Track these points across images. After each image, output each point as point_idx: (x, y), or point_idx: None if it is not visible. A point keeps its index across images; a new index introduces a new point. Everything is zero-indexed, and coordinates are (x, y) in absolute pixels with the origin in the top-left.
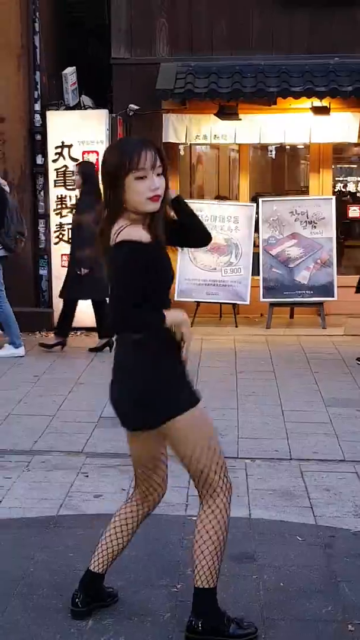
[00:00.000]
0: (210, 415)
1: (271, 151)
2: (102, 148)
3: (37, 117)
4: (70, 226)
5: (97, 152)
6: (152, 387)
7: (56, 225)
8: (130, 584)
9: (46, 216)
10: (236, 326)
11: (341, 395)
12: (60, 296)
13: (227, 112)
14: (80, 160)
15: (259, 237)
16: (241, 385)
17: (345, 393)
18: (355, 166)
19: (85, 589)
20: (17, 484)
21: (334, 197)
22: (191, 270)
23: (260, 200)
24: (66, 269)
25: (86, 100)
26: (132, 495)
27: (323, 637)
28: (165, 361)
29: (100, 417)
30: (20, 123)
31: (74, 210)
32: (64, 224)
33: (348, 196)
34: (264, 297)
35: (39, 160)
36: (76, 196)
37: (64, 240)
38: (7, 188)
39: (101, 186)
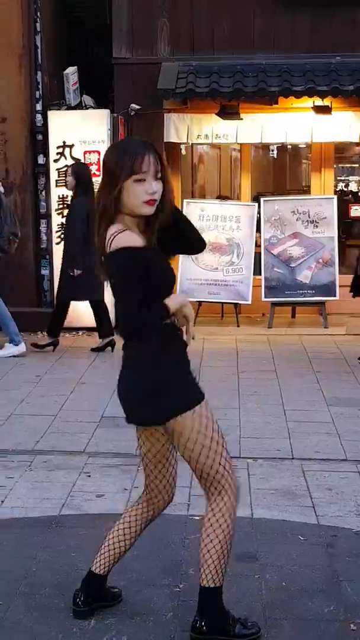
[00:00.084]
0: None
1: (273, 151)
2: (103, 148)
3: (39, 117)
4: None
5: (98, 152)
6: (156, 384)
7: (58, 225)
8: (133, 584)
9: (48, 216)
10: (238, 326)
11: (343, 395)
12: (56, 298)
13: (228, 112)
14: (82, 160)
15: (260, 236)
16: (243, 385)
17: (347, 392)
18: (356, 165)
19: (87, 589)
20: (19, 483)
21: (335, 197)
22: (193, 270)
23: (261, 199)
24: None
25: (87, 100)
26: (139, 498)
27: (325, 637)
28: (169, 358)
29: (102, 416)
30: (22, 123)
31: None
32: (65, 224)
33: (350, 195)
34: (265, 297)
35: (41, 160)
36: (71, 197)
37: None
38: (1, 189)
39: (97, 186)
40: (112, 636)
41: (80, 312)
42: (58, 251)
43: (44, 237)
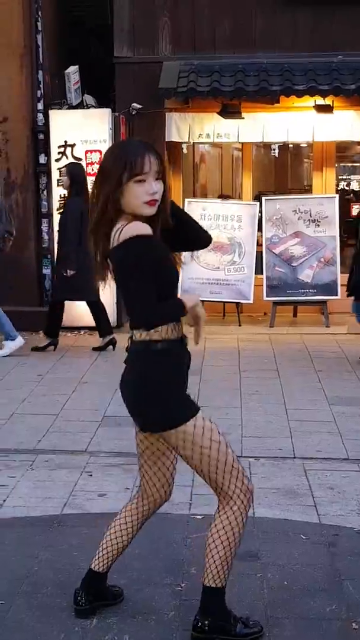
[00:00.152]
0: (214, 414)
1: (274, 150)
2: (105, 147)
3: (40, 116)
4: None
5: (100, 151)
6: (158, 395)
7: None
8: (134, 583)
9: (49, 215)
10: (239, 325)
11: (345, 394)
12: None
13: (230, 111)
14: (83, 159)
15: (262, 235)
16: (245, 384)
17: (349, 391)
18: (358, 164)
19: (87, 588)
20: (21, 483)
21: (337, 196)
22: (194, 269)
23: (263, 199)
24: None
25: (89, 99)
26: (134, 496)
27: (327, 636)
28: (174, 371)
29: (104, 416)
30: (23, 122)
31: (60, 211)
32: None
33: (351, 194)
34: (267, 296)
35: (42, 159)
36: (65, 196)
37: None
38: None
39: (92, 186)
40: (114, 635)
41: (82, 311)
42: None
43: (46, 237)
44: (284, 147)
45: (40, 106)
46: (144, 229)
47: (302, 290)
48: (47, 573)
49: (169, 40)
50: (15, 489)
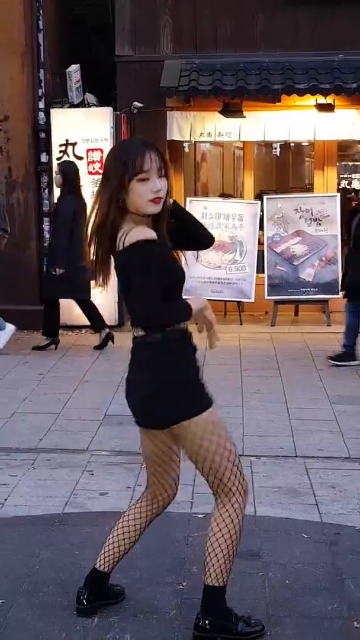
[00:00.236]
0: None
1: (275, 148)
2: (106, 146)
3: (41, 115)
4: None
5: (101, 150)
6: (166, 388)
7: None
8: (136, 581)
9: (50, 214)
10: (241, 324)
11: (346, 393)
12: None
13: (231, 110)
14: (85, 158)
15: (263, 234)
16: (246, 383)
17: (350, 390)
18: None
19: (90, 587)
20: (22, 482)
21: (338, 195)
22: (196, 268)
23: (264, 197)
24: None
25: (90, 98)
26: (142, 495)
27: (329, 634)
28: (180, 363)
29: (105, 415)
30: (25, 121)
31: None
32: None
33: (353, 193)
34: (268, 295)
35: (44, 158)
36: (58, 195)
37: None
38: None
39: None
40: (116, 634)
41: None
42: None
43: (47, 236)
44: (285, 145)
45: (41, 105)
46: (149, 233)
47: (304, 289)
48: (48, 572)
49: (170, 38)
50: (16, 487)
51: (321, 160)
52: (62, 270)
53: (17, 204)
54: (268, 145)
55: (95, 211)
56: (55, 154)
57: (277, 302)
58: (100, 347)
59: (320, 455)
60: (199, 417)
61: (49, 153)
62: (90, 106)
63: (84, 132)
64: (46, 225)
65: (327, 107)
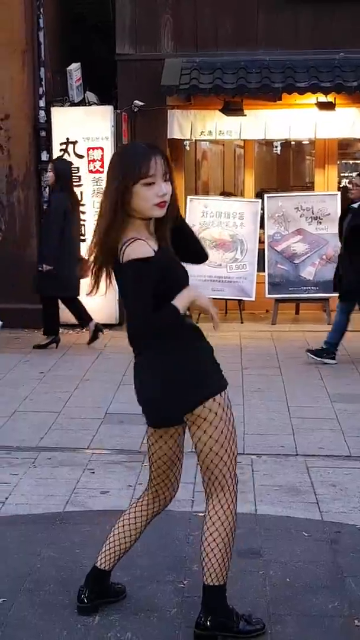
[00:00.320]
0: None
1: (276, 147)
2: (107, 144)
3: (42, 113)
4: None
5: (102, 149)
6: (172, 383)
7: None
8: (137, 580)
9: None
10: (242, 322)
11: (347, 391)
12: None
13: (232, 108)
14: (85, 156)
15: (264, 233)
16: (247, 381)
17: (351, 389)
18: None
19: (91, 585)
20: (23, 480)
21: (339, 193)
22: (196, 266)
23: (265, 196)
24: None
25: (91, 96)
26: (143, 494)
27: (329, 633)
28: (183, 355)
29: (106, 413)
30: (25, 119)
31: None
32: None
33: None
34: (269, 293)
35: (44, 156)
36: (49, 193)
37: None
38: None
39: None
40: (117, 632)
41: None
42: None
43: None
44: (286, 144)
45: (42, 103)
46: (143, 251)
47: (304, 288)
48: (49, 570)
49: (171, 37)
50: (17, 486)
51: (322, 158)
52: (49, 267)
53: (18, 203)
54: (269, 143)
55: (101, 217)
56: (56, 152)
57: (277, 300)
58: (92, 340)
59: (321, 454)
60: (218, 397)
61: (50, 152)
62: (90, 105)
63: (84, 130)
64: None
65: (328, 106)
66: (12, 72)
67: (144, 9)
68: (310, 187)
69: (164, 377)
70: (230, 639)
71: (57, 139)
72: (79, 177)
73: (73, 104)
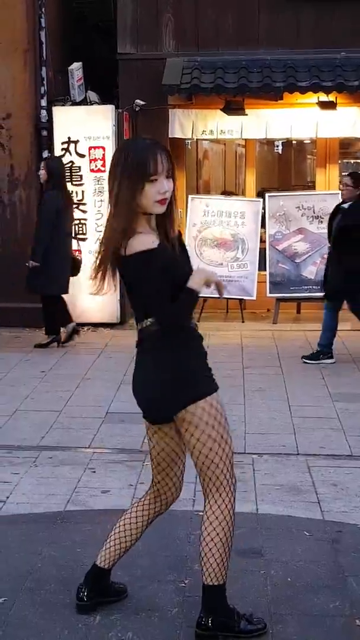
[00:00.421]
0: None
1: (277, 146)
2: (108, 143)
3: (44, 112)
4: (76, 222)
5: (103, 148)
6: (170, 377)
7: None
8: (138, 579)
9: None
10: (243, 321)
11: (348, 390)
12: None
13: (233, 107)
14: (87, 155)
15: (265, 232)
16: (248, 381)
17: (352, 388)
18: None
19: (91, 584)
20: (24, 479)
21: (340, 192)
22: (197, 265)
23: (266, 195)
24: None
25: (92, 95)
26: (145, 493)
27: (331, 632)
28: (184, 351)
29: (107, 412)
30: (27, 119)
31: (39, 204)
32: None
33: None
34: (270, 293)
35: (45, 155)
36: (42, 191)
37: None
38: None
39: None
40: (118, 632)
41: (85, 308)
42: None
43: None
44: (287, 143)
45: (43, 102)
46: (147, 242)
47: (306, 287)
48: (50, 570)
49: (172, 36)
50: (18, 485)
51: (323, 157)
52: (36, 263)
53: (19, 202)
54: (270, 143)
55: (117, 216)
56: (58, 151)
57: (279, 299)
58: (66, 341)
59: (322, 453)
60: (205, 401)
61: (51, 151)
62: (92, 104)
63: (86, 129)
64: None
65: (329, 105)
66: (13, 72)
67: (145, 8)
68: (311, 186)
69: (161, 373)
70: (231, 639)
71: (58, 139)
72: (81, 177)
73: (74, 104)
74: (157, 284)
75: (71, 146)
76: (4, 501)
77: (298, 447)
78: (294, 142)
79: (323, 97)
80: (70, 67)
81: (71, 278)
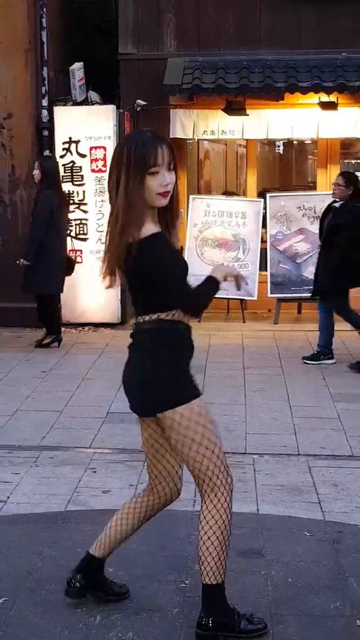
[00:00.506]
0: (218, 410)
1: (279, 146)
2: (109, 144)
3: (45, 112)
4: (77, 222)
5: (104, 148)
6: (155, 376)
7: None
8: (138, 579)
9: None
10: (244, 322)
11: (349, 391)
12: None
13: (234, 108)
14: (88, 155)
15: (266, 232)
16: (249, 381)
17: (353, 388)
18: None
19: (81, 570)
20: (25, 479)
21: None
22: (198, 265)
23: (267, 195)
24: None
25: (93, 95)
26: (144, 488)
27: (331, 633)
28: (173, 352)
29: (108, 412)
30: (28, 119)
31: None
32: (71, 220)
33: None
34: (271, 293)
35: (47, 155)
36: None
37: (71, 236)
38: None
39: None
40: (118, 632)
41: (86, 308)
42: None
43: None
44: (288, 143)
45: (45, 102)
46: (151, 228)
47: (307, 287)
48: (50, 570)
49: (173, 36)
50: (19, 485)
51: (324, 158)
52: (27, 262)
53: (20, 202)
54: (271, 143)
55: (130, 207)
56: (59, 151)
57: (280, 300)
58: (40, 342)
59: (323, 454)
60: (184, 407)
61: (52, 151)
62: (93, 104)
63: (87, 129)
64: None
65: (330, 105)
66: (15, 72)
67: (146, 8)
68: (312, 186)
69: (147, 371)
70: (232, 639)
71: (59, 138)
72: (82, 177)
73: (76, 104)
74: (172, 266)
75: (72, 146)
76: (4, 501)
77: (299, 447)
78: (295, 142)
79: (324, 98)
80: (71, 67)
81: (68, 278)
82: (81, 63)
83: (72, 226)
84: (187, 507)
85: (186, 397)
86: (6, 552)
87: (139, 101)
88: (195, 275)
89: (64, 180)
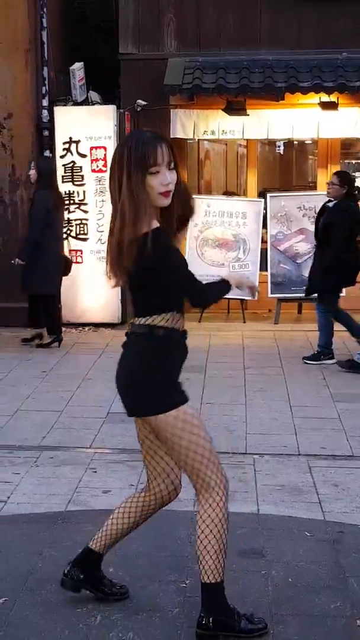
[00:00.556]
0: (218, 410)
1: (279, 146)
2: (109, 144)
3: (45, 112)
4: (77, 222)
5: (105, 148)
6: (143, 379)
7: (64, 221)
8: (139, 579)
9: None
10: (244, 322)
11: (349, 391)
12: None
13: (235, 108)
14: (88, 155)
15: (267, 232)
16: (249, 381)
17: (353, 388)
18: None
19: (78, 563)
20: (25, 479)
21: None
22: (199, 265)
23: (268, 195)
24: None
25: (94, 95)
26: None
27: (332, 633)
28: (164, 358)
29: (108, 412)
30: (28, 119)
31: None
32: (71, 220)
33: (356, 191)
34: (272, 293)
35: (46, 155)
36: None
37: (72, 236)
38: None
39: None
40: (118, 632)
41: (86, 308)
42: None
43: None
44: (288, 144)
45: (45, 102)
46: (152, 223)
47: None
48: (51, 570)
49: (174, 36)
50: (19, 485)
51: (324, 158)
52: (22, 262)
53: (21, 202)
54: (271, 143)
55: (134, 207)
56: (59, 151)
57: (280, 300)
58: (27, 340)
59: (323, 454)
60: (172, 413)
61: (53, 151)
62: (93, 104)
63: (87, 130)
64: None
65: (331, 105)
66: (15, 72)
67: (146, 8)
68: (312, 186)
69: (137, 373)
70: (232, 639)
71: (60, 139)
72: (82, 177)
73: (76, 104)
74: (180, 258)
75: (72, 146)
76: (5, 501)
77: (299, 447)
78: (295, 142)
79: (324, 98)
80: (71, 67)
81: (68, 277)
82: (81, 63)
83: (72, 226)
84: (187, 507)
85: (175, 402)
86: (6, 552)
87: (140, 101)
88: (195, 274)
89: (65, 180)
